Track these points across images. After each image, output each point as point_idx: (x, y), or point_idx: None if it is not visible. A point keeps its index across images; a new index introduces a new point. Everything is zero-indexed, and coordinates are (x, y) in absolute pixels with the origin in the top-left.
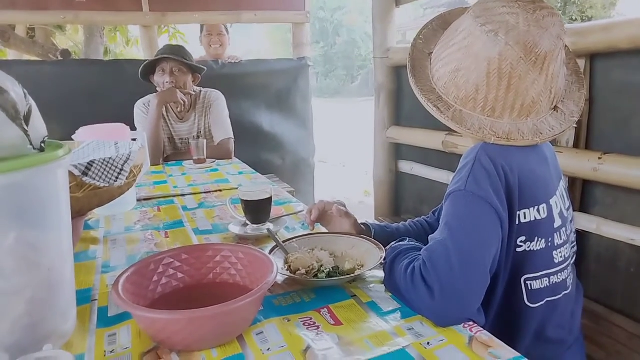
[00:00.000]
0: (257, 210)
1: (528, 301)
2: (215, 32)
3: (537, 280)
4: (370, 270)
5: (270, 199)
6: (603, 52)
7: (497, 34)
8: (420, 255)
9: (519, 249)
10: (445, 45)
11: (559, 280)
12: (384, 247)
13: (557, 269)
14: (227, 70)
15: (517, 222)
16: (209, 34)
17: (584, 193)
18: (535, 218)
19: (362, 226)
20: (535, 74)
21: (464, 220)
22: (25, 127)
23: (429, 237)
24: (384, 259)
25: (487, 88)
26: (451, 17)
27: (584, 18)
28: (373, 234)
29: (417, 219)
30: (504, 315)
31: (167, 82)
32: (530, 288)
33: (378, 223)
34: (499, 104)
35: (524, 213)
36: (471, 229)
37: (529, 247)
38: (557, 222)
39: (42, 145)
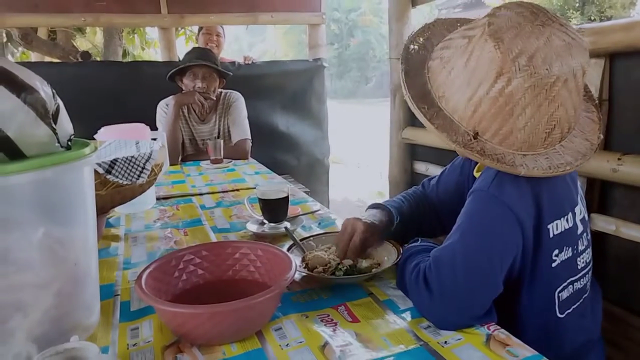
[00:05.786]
0: (275, 209)
1: (559, 312)
2: (213, 32)
3: (565, 290)
4: (387, 269)
5: (287, 198)
6: (623, 52)
7: (514, 57)
8: (429, 257)
9: (554, 264)
10: (459, 72)
11: (581, 286)
12: (400, 245)
13: (579, 275)
14: (243, 71)
15: (551, 236)
16: (208, 33)
17: (602, 194)
18: (564, 228)
19: (382, 219)
20: (554, 103)
21: (477, 224)
22: (54, 126)
23: (446, 238)
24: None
25: (502, 118)
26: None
27: (602, 18)
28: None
29: (412, 190)
30: (539, 327)
31: (199, 87)
32: (560, 299)
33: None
34: (521, 136)
35: (556, 224)
36: (484, 234)
37: (560, 259)
38: (580, 229)
39: (69, 143)
